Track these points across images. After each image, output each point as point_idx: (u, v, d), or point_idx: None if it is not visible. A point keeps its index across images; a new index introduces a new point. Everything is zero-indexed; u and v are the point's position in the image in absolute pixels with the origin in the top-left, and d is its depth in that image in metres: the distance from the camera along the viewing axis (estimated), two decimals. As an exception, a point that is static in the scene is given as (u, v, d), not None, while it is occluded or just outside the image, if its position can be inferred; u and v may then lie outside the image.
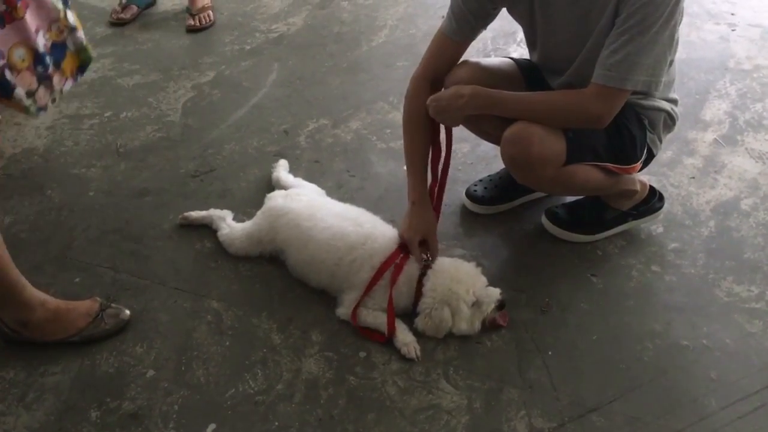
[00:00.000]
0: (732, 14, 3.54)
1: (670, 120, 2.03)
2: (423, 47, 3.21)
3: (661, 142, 2.06)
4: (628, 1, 1.70)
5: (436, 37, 2.08)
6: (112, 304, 1.94)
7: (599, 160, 1.96)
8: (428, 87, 2.04)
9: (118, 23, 3.50)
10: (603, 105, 1.80)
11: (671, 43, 1.77)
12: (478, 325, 1.89)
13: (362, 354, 1.88)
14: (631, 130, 1.94)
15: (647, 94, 1.93)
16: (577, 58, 1.90)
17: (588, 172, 1.98)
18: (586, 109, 1.82)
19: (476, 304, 1.87)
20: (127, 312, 1.94)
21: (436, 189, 2.06)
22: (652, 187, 2.24)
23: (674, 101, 2.04)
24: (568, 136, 1.88)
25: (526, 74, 2.09)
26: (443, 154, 2.06)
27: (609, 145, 1.94)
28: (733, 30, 3.40)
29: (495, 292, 1.90)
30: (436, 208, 2.06)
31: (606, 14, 1.77)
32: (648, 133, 2.00)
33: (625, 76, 1.75)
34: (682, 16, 1.79)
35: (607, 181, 2.03)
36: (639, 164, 2.02)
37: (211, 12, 3.51)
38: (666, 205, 2.27)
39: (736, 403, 1.75)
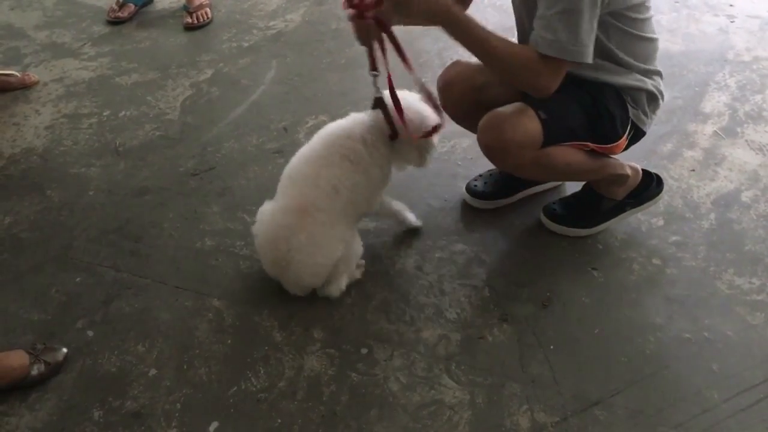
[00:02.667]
0: (731, 5, 3.52)
1: (652, 97, 2.00)
2: (421, 43, 3.24)
3: (647, 116, 2.02)
4: None
5: None
6: (45, 343, 1.85)
7: (579, 138, 1.96)
8: None
9: (115, 22, 3.49)
10: (537, 69, 1.76)
11: (594, 12, 1.72)
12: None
13: (364, 350, 1.88)
14: (609, 108, 1.93)
15: (621, 69, 1.90)
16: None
17: (568, 154, 1.97)
18: (530, 71, 1.77)
19: None
20: (64, 350, 1.85)
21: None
22: (647, 173, 2.23)
23: (656, 73, 2.00)
24: (541, 117, 1.87)
25: None
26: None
27: (587, 123, 1.93)
28: (732, 21, 3.40)
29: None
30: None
31: None
32: (631, 109, 1.97)
33: (550, 44, 1.71)
34: (645, 9, 1.83)
35: (592, 163, 2.03)
36: (622, 142, 2.00)
37: (208, 9, 3.51)
38: (666, 198, 2.27)
39: (738, 396, 1.75)
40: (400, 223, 2.23)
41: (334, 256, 1.91)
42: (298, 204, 1.88)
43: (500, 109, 1.91)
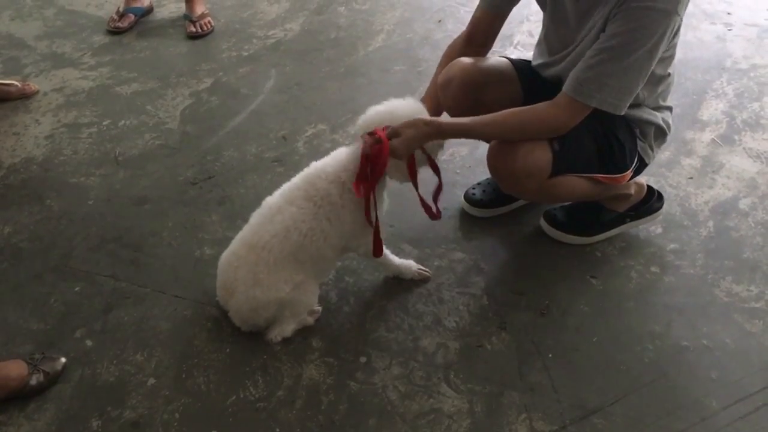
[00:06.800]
0: (728, 14, 3.54)
1: (660, 132, 2.03)
2: (420, 51, 3.26)
3: (653, 150, 2.06)
4: (616, 20, 1.71)
5: (477, 6, 2.09)
6: (44, 353, 1.85)
7: (588, 171, 1.97)
8: (464, 44, 2.10)
9: (115, 32, 3.50)
10: (565, 115, 1.81)
11: (646, 73, 1.76)
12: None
13: (363, 359, 1.88)
14: (620, 138, 1.95)
15: (637, 104, 1.92)
16: (569, 52, 1.92)
17: (574, 183, 1.98)
18: (549, 120, 1.82)
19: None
20: (63, 360, 1.85)
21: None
22: (650, 188, 2.24)
23: (668, 109, 2.04)
24: (554, 148, 1.88)
25: (521, 75, 2.10)
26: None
27: (598, 155, 1.95)
28: (729, 29, 3.41)
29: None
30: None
31: (599, 21, 1.78)
32: (639, 142, 2.00)
33: (593, 94, 1.76)
34: (672, 48, 1.84)
35: (595, 189, 2.04)
36: (629, 173, 2.02)
37: (210, 19, 3.52)
38: (664, 206, 2.27)
39: (737, 403, 1.75)
40: (392, 274, 2.09)
41: (275, 296, 1.81)
42: (249, 239, 1.84)
43: None
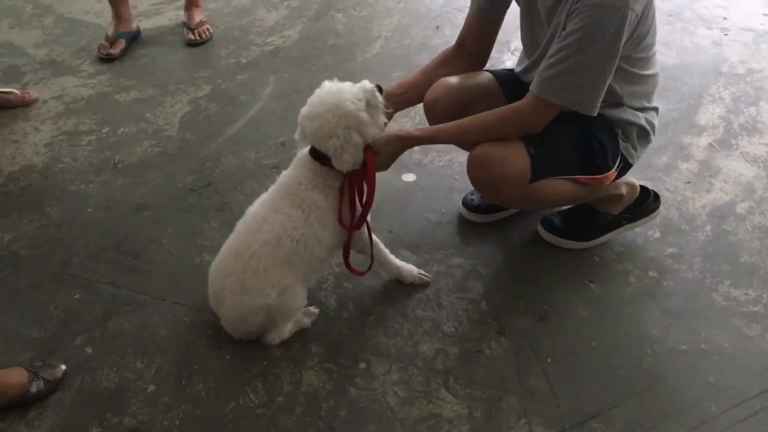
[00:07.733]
0: (724, 18, 3.56)
1: (644, 133, 2.03)
2: (417, 57, 3.27)
3: (636, 150, 2.05)
4: (572, 18, 1.73)
5: (468, 12, 2.11)
6: (44, 360, 1.85)
7: (569, 173, 1.98)
8: (455, 51, 2.13)
9: (107, 59, 3.36)
10: (534, 114, 1.84)
11: (609, 71, 1.77)
12: (383, 119, 1.81)
13: (362, 365, 1.88)
14: (600, 139, 1.95)
15: (616, 104, 1.94)
16: (543, 53, 1.91)
17: (556, 186, 1.99)
18: (519, 119, 1.86)
19: (368, 104, 1.76)
20: (63, 367, 1.84)
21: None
22: (645, 189, 2.24)
23: (653, 110, 2.04)
24: (531, 153, 1.89)
25: (505, 87, 2.11)
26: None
27: (578, 156, 1.96)
28: (725, 34, 3.42)
29: (364, 83, 1.77)
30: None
31: (563, 18, 1.79)
32: (621, 142, 2.00)
33: (555, 92, 1.78)
34: (647, 48, 1.85)
35: (581, 191, 2.05)
36: (612, 173, 2.02)
37: (209, 26, 3.53)
38: (662, 210, 2.28)
39: (735, 407, 1.75)
40: (392, 276, 2.10)
41: (262, 302, 1.80)
42: (236, 248, 1.84)
43: (489, 144, 1.91)
